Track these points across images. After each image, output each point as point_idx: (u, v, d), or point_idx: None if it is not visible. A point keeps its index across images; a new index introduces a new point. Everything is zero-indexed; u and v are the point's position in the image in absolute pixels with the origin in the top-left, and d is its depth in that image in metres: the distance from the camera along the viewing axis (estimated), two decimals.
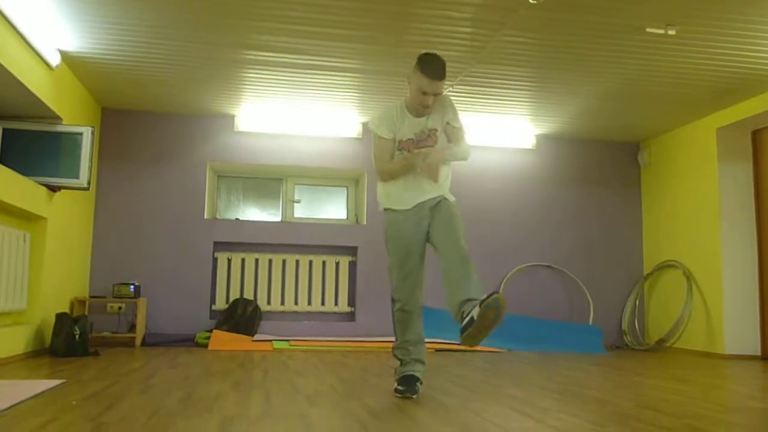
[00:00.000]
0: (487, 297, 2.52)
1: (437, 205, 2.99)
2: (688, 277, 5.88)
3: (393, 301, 3.05)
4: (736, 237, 5.58)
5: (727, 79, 4.83)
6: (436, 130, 3.03)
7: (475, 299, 2.61)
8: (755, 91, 5.08)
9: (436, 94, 2.93)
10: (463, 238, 2.90)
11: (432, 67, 2.88)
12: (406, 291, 3.01)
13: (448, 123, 3.04)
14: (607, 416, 2.53)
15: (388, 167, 3.03)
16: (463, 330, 2.62)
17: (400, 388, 2.92)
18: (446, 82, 3.50)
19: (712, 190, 5.70)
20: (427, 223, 3.00)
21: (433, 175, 2.92)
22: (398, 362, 3.09)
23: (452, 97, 5.24)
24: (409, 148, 3.01)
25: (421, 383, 3.01)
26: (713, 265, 5.63)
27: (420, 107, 2.97)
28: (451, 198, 3.06)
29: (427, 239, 3.01)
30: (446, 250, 2.88)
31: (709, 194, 5.73)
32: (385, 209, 3.12)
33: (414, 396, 2.90)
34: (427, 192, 3.02)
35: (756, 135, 5.66)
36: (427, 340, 5.41)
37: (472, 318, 2.56)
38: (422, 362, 3.05)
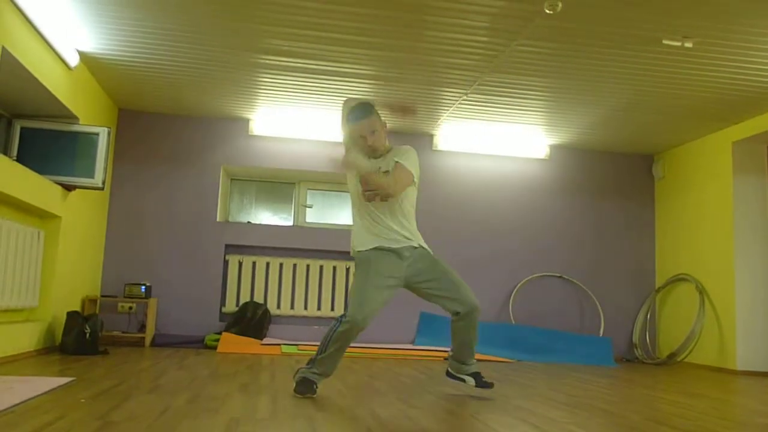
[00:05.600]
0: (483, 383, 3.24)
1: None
2: (701, 291, 5.82)
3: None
4: (750, 252, 5.53)
5: (743, 93, 4.79)
6: (387, 171, 3.10)
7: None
8: None
9: (373, 132, 3.12)
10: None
11: (355, 111, 3.17)
12: None
13: (396, 162, 3.09)
14: (615, 429, 2.51)
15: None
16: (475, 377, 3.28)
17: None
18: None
19: (726, 204, 5.65)
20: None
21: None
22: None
23: (466, 106, 5.26)
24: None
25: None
26: (726, 279, 5.58)
27: (368, 151, 3.15)
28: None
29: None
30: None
31: (724, 208, 5.68)
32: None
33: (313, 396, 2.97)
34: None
35: None
36: (432, 348, 5.50)
37: (463, 380, 3.30)
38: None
